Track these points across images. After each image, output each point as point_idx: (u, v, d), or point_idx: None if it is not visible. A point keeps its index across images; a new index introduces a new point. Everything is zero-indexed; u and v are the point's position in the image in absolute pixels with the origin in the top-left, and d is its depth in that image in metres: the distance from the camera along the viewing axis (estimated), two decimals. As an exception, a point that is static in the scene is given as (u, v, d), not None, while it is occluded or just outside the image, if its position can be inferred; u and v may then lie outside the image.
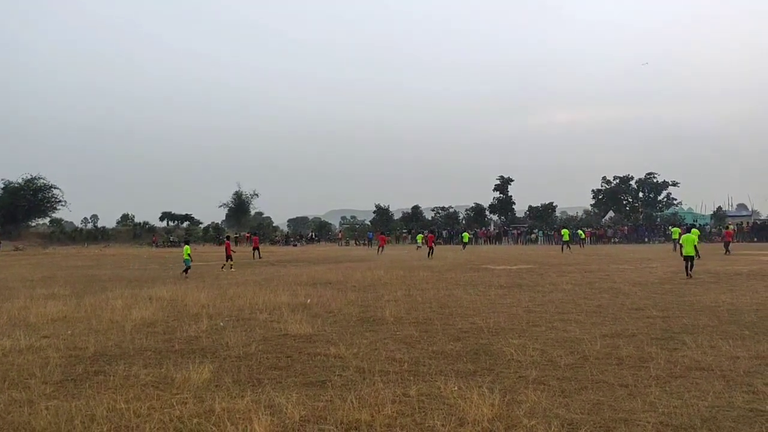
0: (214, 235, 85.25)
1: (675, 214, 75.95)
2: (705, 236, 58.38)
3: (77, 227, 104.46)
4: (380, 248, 47.69)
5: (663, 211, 78.07)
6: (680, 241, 21.65)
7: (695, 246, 20.52)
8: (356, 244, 75.24)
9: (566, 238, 46.02)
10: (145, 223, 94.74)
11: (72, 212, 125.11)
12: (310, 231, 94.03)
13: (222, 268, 28.76)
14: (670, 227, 38.57)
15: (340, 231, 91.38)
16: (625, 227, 68.04)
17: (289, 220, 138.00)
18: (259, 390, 7.01)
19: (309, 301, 14.99)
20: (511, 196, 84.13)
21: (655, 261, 28.97)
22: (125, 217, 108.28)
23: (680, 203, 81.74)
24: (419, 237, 57.19)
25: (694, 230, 37.49)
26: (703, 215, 78.85)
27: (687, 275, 19.82)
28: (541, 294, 15.97)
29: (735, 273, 20.98)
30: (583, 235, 53.68)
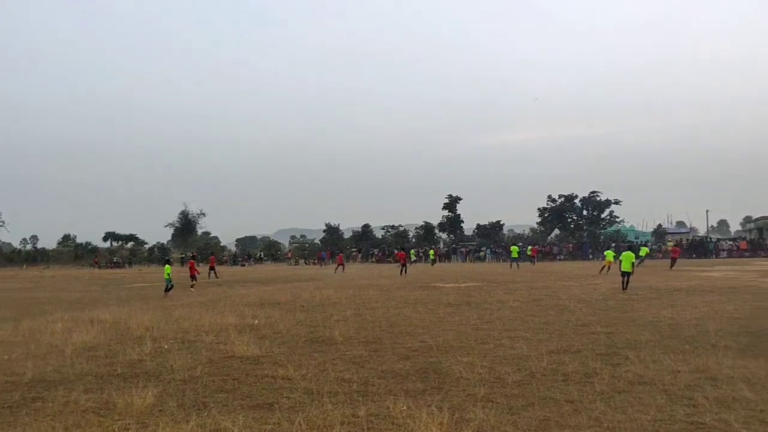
0: (159, 255, 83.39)
1: (618, 231, 78.04)
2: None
3: (15, 248, 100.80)
4: (339, 266, 47.52)
5: (606, 229, 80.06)
6: (620, 258, 22.61)
7: (632, 263, 21.93)
8: (306, 263, 74.65)
9: (515, 255, 46.69)
10: (88, 244, 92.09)
11: (10, 233, 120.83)
12: (258, 251, 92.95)
13: (191, 287, 28.47)
14: (605, 252, 39.37)
15: (289, 250, 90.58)
16: (570, 245, 69.46)
17: (238, 240, 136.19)
18: (205, 414, 6.85)
19: (257, 322, 14.78)
20: (459, 214, 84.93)
21: (599, 278, 29.63)
22: (66, 238, 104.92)
23: (622, 221, 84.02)
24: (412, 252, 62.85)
25: (643, 248, 38.67)
26: (645, 232, 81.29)
27: (623, 289, 20.92)
28: (489, 311, 16.13)
29: (675, 289, 21.64)
30: (530, 252, 54.55)
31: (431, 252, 58.99)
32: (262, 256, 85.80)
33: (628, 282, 21.48)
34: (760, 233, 66.21)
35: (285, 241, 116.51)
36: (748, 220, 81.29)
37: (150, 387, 8.01)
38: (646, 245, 51.03)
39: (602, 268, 34.38)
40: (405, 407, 6.82)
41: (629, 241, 56.87)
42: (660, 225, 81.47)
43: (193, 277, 29.16)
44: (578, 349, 10.32)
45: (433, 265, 53.23)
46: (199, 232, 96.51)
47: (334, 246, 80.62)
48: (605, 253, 37.70)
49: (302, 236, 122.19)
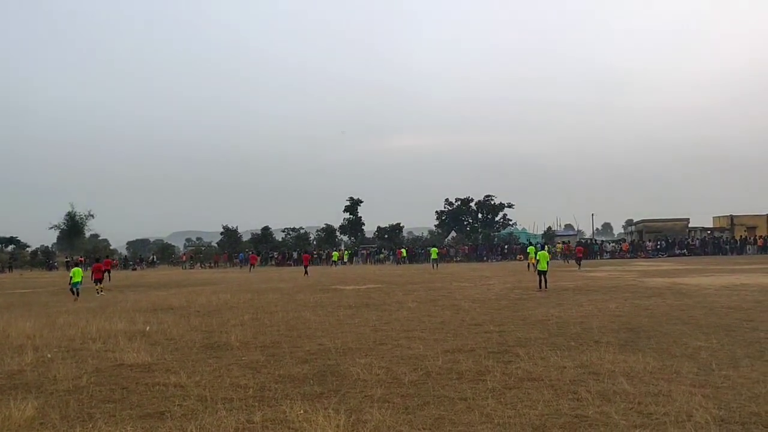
0: (43, 259, 78.65)
1: (511, 234, 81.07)
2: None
3: None
4: (251, 266, 48.53)
5: (500, 231, 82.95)
6: (537, 257, 23.94)
7: (547, 262, 23.30)
8: (201, 267, 72.57)
9: (434, 256, 49.78)
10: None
11: None
12: (151, 254, 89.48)
13: (99, 293, 27.18)
14: (528, 246, 41.94)
15: (184, 254, 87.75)
16: (466, 246, 71.39)
17: (129, 243, 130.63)
18: (90, 425, 6.52)
19: (148, 328, 14.22)
20: (360, 217, 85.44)
21: (493, 278, 30.66)
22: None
23: (515, 224, 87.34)
24: (335, 255, 64.83)
25: (543, 250, 40.42)
26: (535, 235, 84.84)
27: (541, 289, 22.07)
28: (387, 312, 16.31)
29: (562, 289, 22.71)
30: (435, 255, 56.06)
31: (335, 254, 60.45)
32: (155, 259, 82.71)
33: (546, 281, 22.65)
34: (640, 235, 70.70)
35: (180, 244, 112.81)
36: (629, 223, 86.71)
37: (30, 399, 7.53)
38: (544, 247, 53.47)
39: (529, 265, 36.32)
40: (302, 411, 6.77)
41: (540, 243, 59.44)
42: (550, 228, 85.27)
43: (99, 280, 28.13)
44: (472, 347, 10.62)
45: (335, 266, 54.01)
46: (87, 234, 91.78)
47: (232, 249, 78.92)
48: (528, 249, 39.84)
49: (198, 239, 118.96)
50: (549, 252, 26.02)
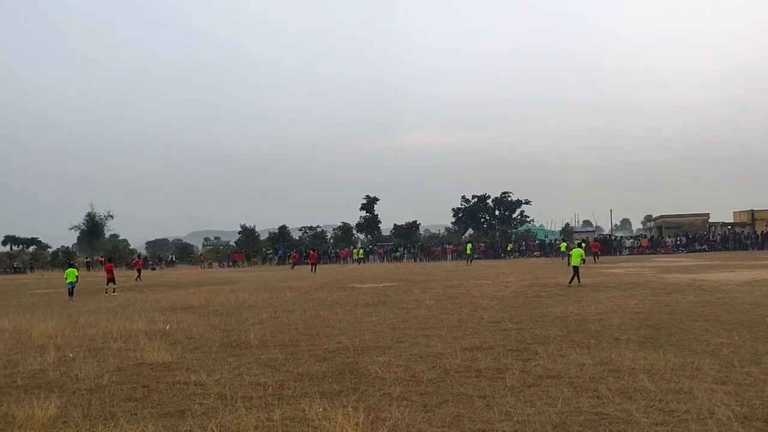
0: (64, 259, 79.59)
1: (528, 230, 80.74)
2: (555, 251, 63.08)
3: None
4: (312, 266, 45.66)
5: (517, 228, 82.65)
6: (570, 254, 24.16)
7: (582, 258, 23.55)
8: (220, 266, 73.05)
9: (469, 252, 52.16)
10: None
11: None
12: (170, 254, 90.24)
13: (106, 292, 27.87)
14: (560, 242, 43.82)
15: (201, 253, 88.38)
16: (483, 244, 71.20)
17: (148, 243, 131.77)
18: (112, 424, 6.59)
19: (168, 327, 14.34)
20: (377, 214, 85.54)
21: (510, 275, 30.53)
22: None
23: (533, 220, 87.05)
24: (358, 252, 66.72)
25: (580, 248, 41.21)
26: (553, 231, 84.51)
27: (572, 283, 22.38)
28: (405, 310, 16.31)
29: (581, 285, 22.56)
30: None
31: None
32: (173, 259, 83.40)
33: (578, 277, 22.76)
34: (659, 231, 70.00)
35: (198, 244, 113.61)
36: (648, 218, 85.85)
37: (53, 398, 7.62)
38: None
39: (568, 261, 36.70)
40: (321, 409, 6.79)
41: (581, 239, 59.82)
42: (567, 224, 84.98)
43: (111, 280, 28.47)
44: (490, 345, 10.59)
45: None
46: (107, 234, 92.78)
47: (249, 248, 79.37)
48: (560, 244, 41.38)
49: (216, 238, 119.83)
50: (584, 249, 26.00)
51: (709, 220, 68.62)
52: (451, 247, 69.40)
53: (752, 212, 67.14)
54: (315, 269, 43.14)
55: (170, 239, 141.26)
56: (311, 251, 53.02)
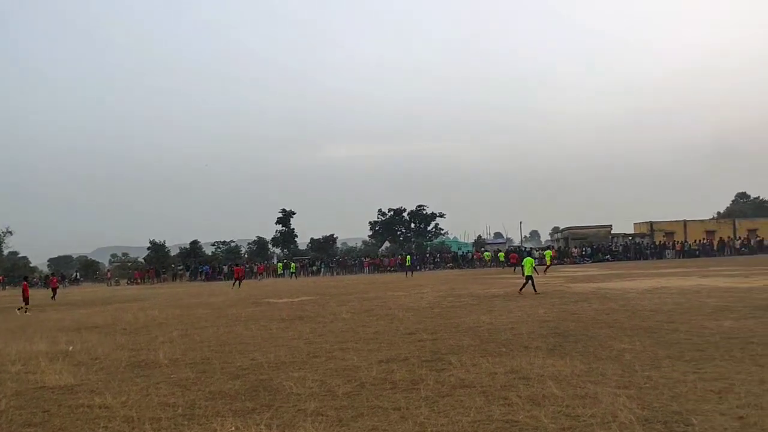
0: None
1: (443, 242, 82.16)
2: (468, 262, 64.60)
3: None
4: (237, 281, 43.55)
5: (432, 241, 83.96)
6: (522, 264, 25.64)
7: (533, 267, 24.39)
8: (128, 283, 70.22)
9: (408, 263, 52.82)
10: None
11: None
12: (74, 271, 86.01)
13: (19, 310, 26.71)
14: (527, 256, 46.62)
15: (108, 270, 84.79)
16: (399, 256, 71.80)
17: (50, 260, 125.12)
18: (7, 454, 6.18)
19: (71, 348, 13.65)
20: (293, 228, 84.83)
21: (426, 287, 30.92)
22: None
23: (447, 233, 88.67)
24: (293, 266, 63.13)
25: (547, 252, 44.67)
26: (466, 243, 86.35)
27: (524, 290, 23.25)
28: (321, 324, 16.20)
29: (493, 295, 23.15)
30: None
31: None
32: (78, 276, 79.60)
33: (533, 284, 23.45)
34: (566, 242, 72.82)
35: (105, 260, 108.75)
36: (556, 230, 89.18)
37: (-61, 428, 7.09)
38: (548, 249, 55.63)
39: (545, 268, 40.33)
40: (233, 428, 6.63)
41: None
42: (480, 236, 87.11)
43: (26, 300, 27.13)
44: (406, 357, 10.67)
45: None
46: (6, 252, 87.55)
47: (160, 264, 76.79)
48: (545, 253, 45.80)
49: (124, 254, 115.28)
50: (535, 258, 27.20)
51: (612, 232, 72.01)
52: (368, 260, 69.63)
53: (651, 224, 71.05)
54: (240, 284, 42.26)
55: (74, 256, 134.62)
56: (236, 266, 53.10)
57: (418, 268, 63.04)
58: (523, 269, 24.98)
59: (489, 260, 62.22)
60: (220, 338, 14.36)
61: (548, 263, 43.08)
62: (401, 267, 59.63)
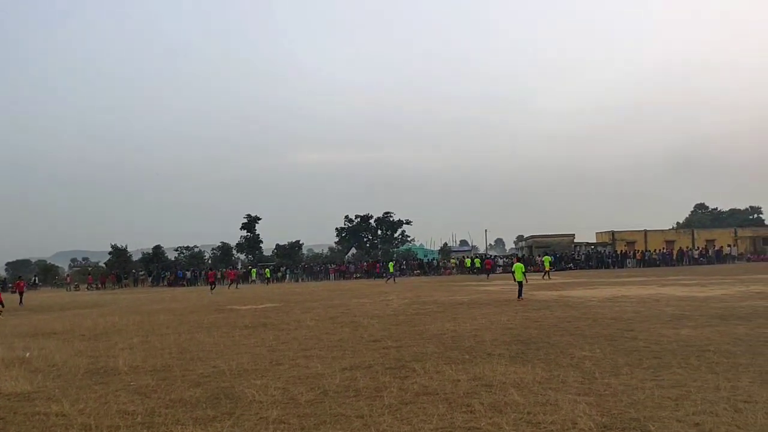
0: None
1: (409, 249, 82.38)
2: (434, 269, 64.88)
3: None
4: (212, 285, 47.55)
5: (398, 248, 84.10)
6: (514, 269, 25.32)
7: (523, 273, 24.32)
8: (88, 288, 68.72)
9: (391, 270, 52.16)
10: None
11: None
12: (33, 275, 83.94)
13: None
14: (543, 257, 48.17)
15: (68, 275, 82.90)
16: (365, 263, 71.75)
17: (8, 263, 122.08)
18: (-43, 464, 6.00)
19: (28, 354, 13.32)
20: (258, 234, 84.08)
21: (391, 294, 30.94)
22: None
23: (413, 240, 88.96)
24: (267, 271, 61.89)
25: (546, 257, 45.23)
26: (432, 250, 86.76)
27: (519, 298, 23.29)
28: (285, 332, 16.09)
29: (457, 303, 23.27)
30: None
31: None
32: (36, 281, 77.68)
33: (520, 289, 23.65)
34: (530, 250, 73.63)
35: (64, 265, 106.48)
36: (520, 238, 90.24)
37: None
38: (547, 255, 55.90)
39: (544, 274, 41.74)
40: (193, 436, 6.54)
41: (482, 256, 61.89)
42: (446, 243, 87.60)
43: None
44: (370, 364, 10.66)
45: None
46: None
47: (121, 268, 75.41)
48: (543, 258, 46.71)
49: (85, 259, 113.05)
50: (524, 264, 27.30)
51: (575, 240, 73.07)
52: (333, 267, 69.40)
53: (612, 233, 72.36)
54: (214, 288, 42.78)
55: (33, 260, 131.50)
56: (209, 270, 54.22)
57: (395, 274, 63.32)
58: (513, 275, 25.16)
59: (468, 267, 61.86)
60: (181, 345, 14.16)
61: (547, 269, 44.28)
62: (381, 274, 58.93)
